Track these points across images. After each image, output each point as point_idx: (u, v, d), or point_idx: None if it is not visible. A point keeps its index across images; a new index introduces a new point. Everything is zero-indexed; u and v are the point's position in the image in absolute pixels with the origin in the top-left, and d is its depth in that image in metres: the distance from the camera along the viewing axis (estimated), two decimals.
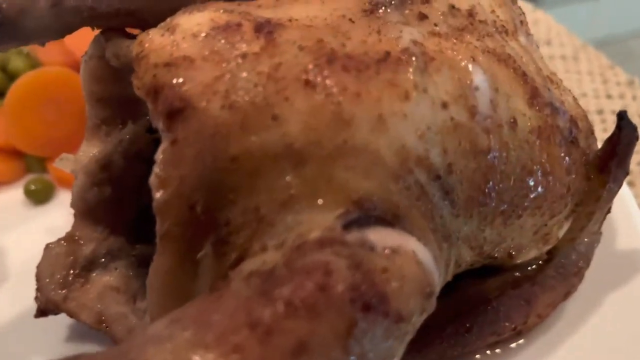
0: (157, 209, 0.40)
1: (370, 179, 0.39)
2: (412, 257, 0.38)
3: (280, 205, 0.39)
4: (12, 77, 0.83)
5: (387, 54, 0.42)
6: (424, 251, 0.40)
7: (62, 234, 0.66)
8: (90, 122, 0.57)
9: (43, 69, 0.75)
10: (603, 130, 0.84)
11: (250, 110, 0.39)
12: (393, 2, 0.46)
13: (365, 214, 0.39)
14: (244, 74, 0.39)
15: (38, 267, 0.58)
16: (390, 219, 0.40)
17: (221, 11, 0.43)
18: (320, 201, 0.39)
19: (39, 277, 0.57)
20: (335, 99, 0.39)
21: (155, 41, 0.41)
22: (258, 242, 0.39)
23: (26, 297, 0.63)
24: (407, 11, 0.46)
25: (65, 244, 0.58)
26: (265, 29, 0.42)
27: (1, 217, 0.73)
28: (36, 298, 0.57)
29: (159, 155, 0.40)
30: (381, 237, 0.39)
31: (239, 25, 0.42)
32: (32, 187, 0.75)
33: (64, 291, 0.56)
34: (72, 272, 0.57)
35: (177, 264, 0.41)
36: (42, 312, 0.57)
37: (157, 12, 0.46)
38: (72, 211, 0.71)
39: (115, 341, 0.54)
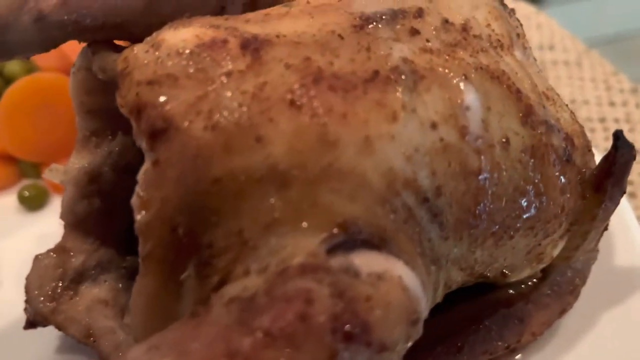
0: (139, 230, 0.39)
1: (356, 202, 0.38)
2: (398, 283, 0.38)
3: (264, 229, 0.38)
4: (8, 81, 0.83)
5: (376, 73, 0.41)
6: (411, 276, 0.39)
7: (55, 241, 0.65)
8: (80, 134, 0.56)
9: (38, 75, 0.75)
10: (605, 139, 0.83)
11: (234, 131, 0.38)
12: (384, 17, 0.45)
13: (351, 238, 0.38)
14: (228, 94, 0.39)
15: (27, 278, 0.57)
16: (377, 243, 0.39)
17: (207, 27, 0.42)
18: (304, 224, 0.38)
19: (28, 289, 0.57)
20: (321, 120, 0.38)
21: (139, 58, 0.41)
22: (241, 265, 0.38)
23: (18, 306, 0.63)
24: (398, 26, 0.44)
25: (54, 255, 0.57)
26: (252, 46, 0.41)
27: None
28: (25, 309, 0.57)
29: (140, 176, 0.39)
30: (366, 261, 0.38)
31: (225, 41, 0.41)
32: (26, 193, 0.74)
33: (52, 303, 0.56)
34: (61, 284, 0.56)
35: (160, 285, 0.40)
36: (31, 324, 0.57)
37: (143, 25, 0.46)
38: None
39: (102, 356, 0.53)
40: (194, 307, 0.39)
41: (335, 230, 0.38)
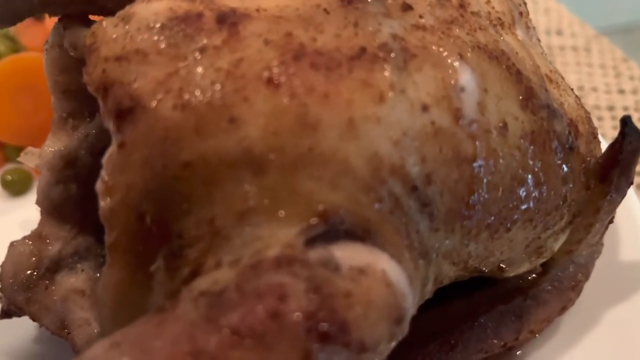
0: (103, 217, 0.36)
1: (337, 189, 0.35)
2: (382, 278, 0.35)
3: (238, 217, 0.35)
4: None
5: (363, 49, 0.37)
6: (397, 270, 0.36)
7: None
8: (56, 115, 0.53)
9: (20, 55, 0.72)
10: (613, 128, 0.80)
11: (206, 111, 0.35)
12: None
13: (332, 228, 0.35)
14: (201, 70, 0.36)
15: (2, 266, 0.55)
16: (360, 234, 0.36)
17: (182, 0, 0.39)
18: (281, 213, 0.35)
19: (2, 277, 0.54)
20: (301, 100, 0.35)
21: (107, 32, 0.38)
22: (213, 257, 0.36)
23: None
24: (389, 1, 0.41)
25: (30, 242, 0.55)
26: (229, 20, 0.38)
27: None
28: (0, 298, 0.55)
29: (105, 159, 0.36)
30: (348, 254, 0.35)
31: (200, 15, 0.38)
32: (9, 177, 0.72)
33: (27, 293, 0.53)
34: (36, 272, 0.54)
35: (128, 276, 0.38)
36: (5, 314, 0.55)
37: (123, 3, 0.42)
38: None
39: (75, 349, 0.50)
40: (162, 301, 0.36)
41: (314, 220, 0.35)
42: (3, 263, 0.55)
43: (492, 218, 0.41)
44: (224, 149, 0.35)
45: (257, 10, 0.39)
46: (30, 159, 0.54)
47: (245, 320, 0.31)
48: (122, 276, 0.38)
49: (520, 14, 0.48)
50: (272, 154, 0.35)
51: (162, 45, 0.36)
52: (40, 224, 0.56)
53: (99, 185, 0.36)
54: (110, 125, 0.37)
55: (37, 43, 0.79)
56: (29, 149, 0.55)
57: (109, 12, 0.42)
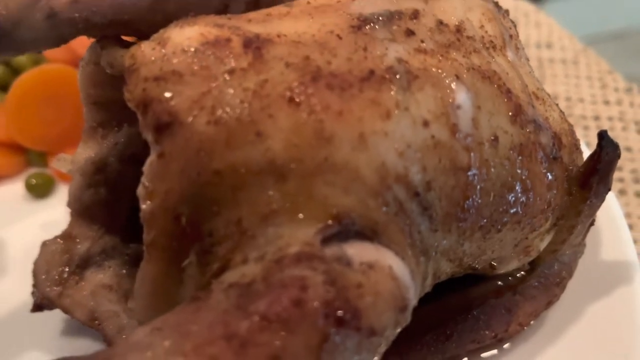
0: (143, 219, 0.41)
1: (349, 195, 0.40)
2: (388, 272, 0.40)
3: (262, 219, 0.40)
4: (16, 71, 0.85)
5: (371, 72, 0.43)
6: (401, 266, 0.41)
7: (61, 229, 0.68)
8: (87, 125, 0.58)
9: (45, 66, 0.77)
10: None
11: (235, 126, 0.40)
12: (381, 18, 0.46)
13: (344, 229, 0.40)
14: (231, 90, 0.41)
15: (35, 263, 0.59)
16: (369, 234, 0.41)
17: (211, 25, 0.44)
18: (300, 216, 0.40)
19: (35, 273, 0.59)
20: (318, 116, 0.40)
21: (146, 54, 0.43)
22: (240, 253, 0.41)
23: (25, 290, 0.66)
24: (394, 27, 0.46)
25: (61, 241, 0.59)
26: (254, 45, 0.43)
27: (2, 211, 0.75)
28: (33, 293, 0.59)
29: (146, 167, 0.41)
30: (358, 251, 0.40)
31: (228, 40, 0.43)
32: (33, 181, 0.76)
33: (59, 288, 0.58)
34: (67, 269, 0.59)
35: (163, 271, 0.43)
36: (38, 307, 0.59)
37: (149, 22, 0.47)
38: None
39: (106, 339, 0.55)
40: (195, 292, 0.41)
41: (329, 222, 0.40)
42: (36, 260, 0.59)
43: (485, 220, 0.46)
44: (250, 159, 0.40)
45: (278, 35, 0.44)
46: (63, 164, 0.59)
47: (271, 307, 0.36)
48: (158, 270, 0.43)
49: (511, 36, 0.54)
50: (292, 164, 0.40)
51: (196, 67, 0.41)
52: (70, 224, 0.60)
53: (140, 190, 0.41)
54: (149, 137, 0.41)
55: (58, 55, 0.84)
56: (61, 155, 0.60)
57: (142, 35, 0.47)
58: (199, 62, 0.42)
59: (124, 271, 0.59)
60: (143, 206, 0.41)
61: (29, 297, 0.64)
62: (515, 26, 0.56)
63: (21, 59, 0.84)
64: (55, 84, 0.76)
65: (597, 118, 0.88)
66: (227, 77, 0.41)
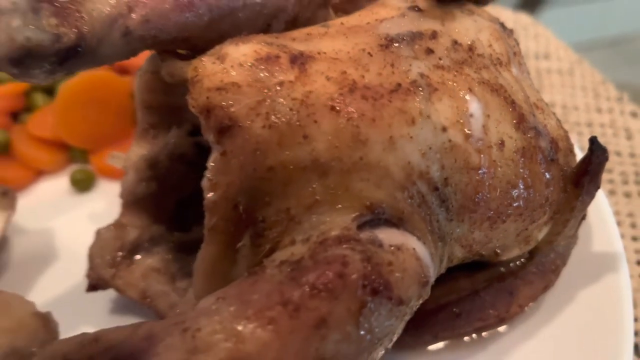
0: (207, 207, 0.49)
1: (380, 189, 0.48)
2: (413, 253, 0.47)
3: (307, 208, 0.48)
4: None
5: (399, 85, 0.50)
6: (423, 248, 0.49)
7: (103, 218, 0.75)
8: (140, 126, 0.66)
9: (91, 72, 0.84)
10: None
11: (286, 129, 0.48)
12: (405, 38, 0.54)
13: (376, 217, 0.48)
14: (281, 99, 0.48)
15: (90, 248, 0.67)
16: (396, 222, 0.49)
17: (262, 44, 0.51)
18: (339, 206, 0.48)
19: (91, 257, 0.66)
20: (355, 122, 0.48)
21: (208, 68, 0.50)
22: (288, 236, 0.48)
23: (76, 273, 0.73)
24: (416, 46, 0.54)
25: (113, 229, 0.67)
26: (299, 61, 0.50)
27: (49, 203, 0.82)
28: (88, 275, 0.67)
29: (210, 163, 0.49)
30: (388, 236, 0.48)
31: (278, 57, 0.50)
32: (78, 176, 0.84)
33: (112, 270, 0.65)
34: (119, 254, 0.66)
35: (221, 251, 0.50)
36: (93, 287, 0.67)
37: (205, 39, 0.55)
38: (111, 199, 0.82)
39: (159, 314, 0.63)
40: (250, 269, 0.48)
41: (363, 211, 0.48)
42: (91, 246, 0.67)
43: (492, 212, 0.54)
44: (298, 158, 0.48)
45: (319, 53, 0.52)
46: (117, 161, 0.67)
47: (319, 279, 0.44)
48: (216, 251, 0.50)
49: (514, 53, 0.62)
50: (333, 162, 0.48)
51: (251, 79, 0.49)
52: (122, 214, 0.68)
53: (204, 183, 0.48)
54: (211, 138, 0.49)
55: None
56: (115, 153, 0.67)
57: (197, 49, 0.55)
58: (254, 75, 0.49)
59: (170, 256, 0.67)
60: (208, 195, 0.48)
61: (80, 279, 0.71)
62: (518, 44, 0.63)
63: None
64: (98, 88, 0.84)
65: (590, 125, 0.96)
66: (278, 88, 0.49)
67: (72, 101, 0.83)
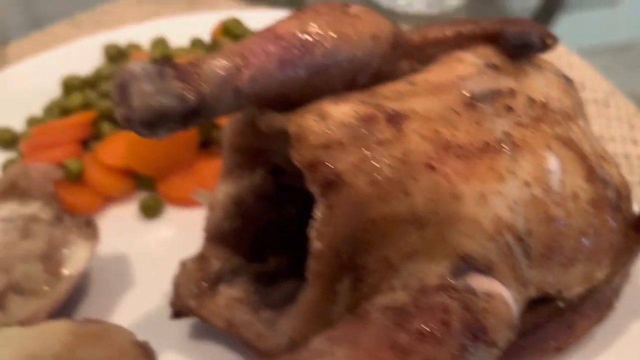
0: (313, 255, 0.54)
1: (472, 239, 0.53)
2: (502, 300, 0.52)
3: (405, 257, 0.53)
4: None
5: (486, 144, 0.55)
6: (509, 295, 0.53)
7: (171, 245, 0.80)
8: (226, 166, 0.70)
9: None
10: (629, 174, 0.98)
11: (387, 186, 0.52)
12: (486, 96, 0.59)
13: (469, 266, 0.53)
14: (382, 158, 0.53)
15: (176, 278, 0.71)
16: (485, 270, 0.54)
17: (360, 103, 0.56)
18: (435, 255, 0.53)
19: (176, 287, 0.71)
20: (450, 179, 0.53)
21: (311, 125, 0.55)
22: (386, 282, 0.53)
23: (153, 300, 0.78)
24: (497, 104, 0.59)
25: (197, 261, 0.72)
26: (395, 120, 0.55)
27: (120, 229, 0.86)
28: (173, 303, 0.71)
29: (317, 215, 0.53)
30: (480, 283, 0.53)
31: (376, 116, 0.55)
32: (148, 203, 0.88)
33: (198, 300, 0.70)
34: (204, 284, 0.71)
35: (322, 293, 0.55)
36: (178, 315, 0.71)
37: (300, 93, 0.59)
38: (177, 225, 0.86)
39: (246, 343, 0.67)
40: (352, 311, 0.53)
41: (458, 260, 0.53)
42: (177, 276, 0.71)
43: (565, 259, 0.59)
44: (398, 211, 0.52)
45: (412, 111, 0.56)
46: (203, 198, 0.71)
47: (424, 325, 0.49)
48: (318, 293, 0.55)
49: (579, 105, 0.66)
50: (430, 215, 0.52)
51: (353, 138, 0.54)
52: (204, 247, 0.73)
53: (312, 233, 0.53)
54: (316, 191, 0.54)
55: None
56: (200, 190, 0.72)
57: (290, 102, 0.59)
58: (355, 133, 0.54)
59: (251, 287, 0.71)
60: (316, 245, 0.53)
61: (158, 305, 0.76)
62: (580, 98, 0.68)
63: None
64: None
65: (627, 156, 1.01)
66: (377, 146, 0.54)
67: None
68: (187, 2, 1.39)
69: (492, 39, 0.69)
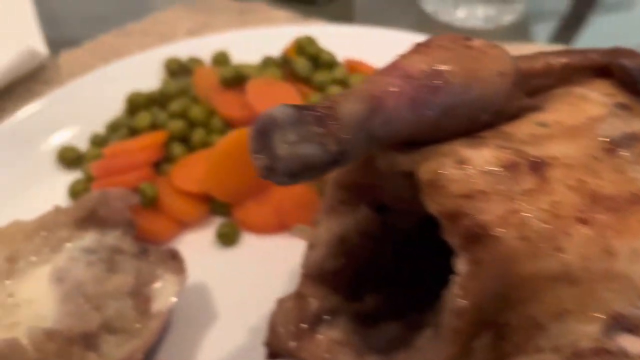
0: (456, 311, 0.51)
1: (624, 297, 0.50)
2: None
3: (554, 316, 0.50)
4: (192, 124, 0.94)
5: (634, 195, 0.52)
6: None
7: (249, 275, 0.78)
8: (329, 202, 0.67)
9: (244, 129, 0.86)
10: None
11: (538, 240, 0.49)
12: (624, 141, 0.56)
13: (620, 326, 0.50)
14: (531, 210, 0.50)
15: (272, 317, 0.69)
16: (633, 329, 0.51)
17: (498, 148, 0.53)
18: (586, 315, 0.50)
19: (273, 326, 0.68)
20: (603, 234, 0.50)
21: (450, 173, 0.52)
22: (531, 342, 0.50)
23: (240, 337, 0.75)
24: (635, 149, 0.56)
25: (294, 300, 0.69)
26: (538, 168, 0.52)
27: (197, 257, 0.83)
28: (269, 343, 0.68)
29: (460, 270, 0.50)
30: (630, 344, 0.50)
31: (518, 164, 0.52)
32: (225, 230, 0.85)
33: (296, 341, 0.67)
34: (302, 325, 0.68)
35: (457, 349, 0.52)
36: (273, 356, 0.69)
37: (422, 134, 0.56)
38: (255, 253, 0.84)
39: None
40: None
41: (609, 320, 0.50)
42: (274, 315, 0.69)
43: None
44: (549, 268, 0.49)
45: (552, 158, 0.53)
46: (303, 234, 0.68)
47: None
48: (454, 349, 0.52)
49: None
50: (582, 272, 0.49)
51: (497, 187, 0.51)
52: (301, 285, 0.70)
53: (456, 290, 0.50)
54: (456, 242, 0.51)
55: (234, 113, 0.93)
56: (300, 225, 0.69)
57: (413, 141, 0.56)
58: (499, 182, 0.51)
59: (351, 328, 0.69)
60: (460, 302, 0.50)
61: (246, 341, 0.74)
62: None
63: (195, 113, 0.93)
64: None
65: None
66: (524, 197, 0.51)
67: (226, 157, 0.85)
68: (239, 13, 1.36)
69: (603, 71, 0.67)
